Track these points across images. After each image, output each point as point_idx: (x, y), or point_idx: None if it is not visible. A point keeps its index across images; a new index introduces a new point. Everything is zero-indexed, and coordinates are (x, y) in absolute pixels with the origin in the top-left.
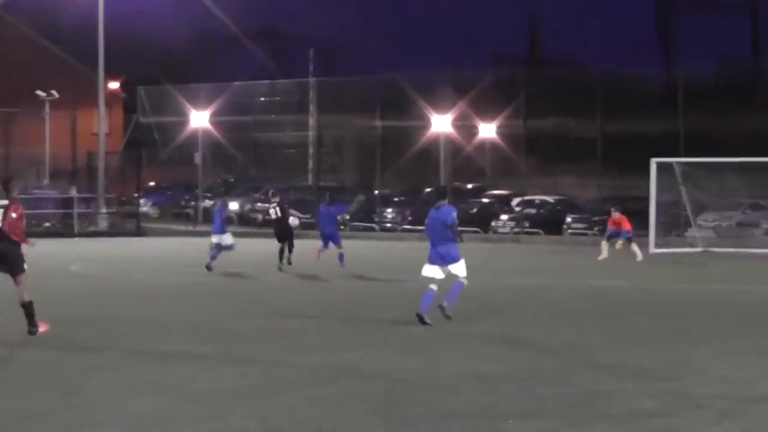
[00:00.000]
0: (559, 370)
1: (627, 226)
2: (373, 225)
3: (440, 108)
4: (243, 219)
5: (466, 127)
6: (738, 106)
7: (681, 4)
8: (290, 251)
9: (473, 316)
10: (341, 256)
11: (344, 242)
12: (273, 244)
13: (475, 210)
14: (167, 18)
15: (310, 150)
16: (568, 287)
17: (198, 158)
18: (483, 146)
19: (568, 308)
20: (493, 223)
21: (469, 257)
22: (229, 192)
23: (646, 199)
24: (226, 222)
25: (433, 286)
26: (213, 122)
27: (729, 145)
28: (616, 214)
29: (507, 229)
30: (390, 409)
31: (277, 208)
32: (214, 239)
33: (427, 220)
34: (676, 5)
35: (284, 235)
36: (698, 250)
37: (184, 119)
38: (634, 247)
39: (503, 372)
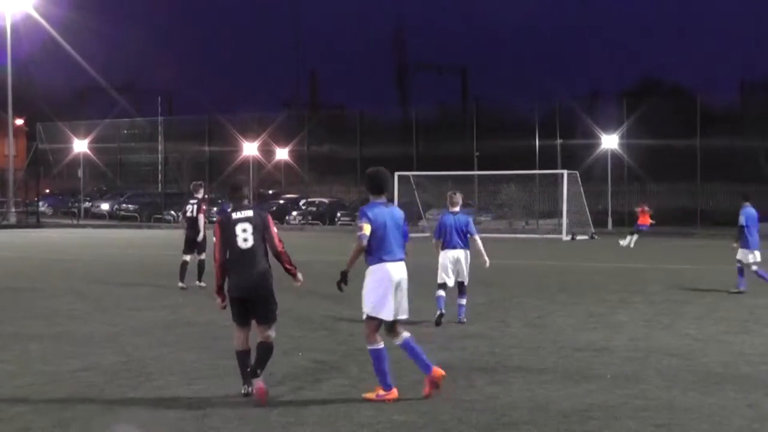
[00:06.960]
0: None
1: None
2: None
3: (249, 137)
4: (111, 215)
5: (267, 151)
6: (453, 135)
7: (412, 64)
8: None
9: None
10: None
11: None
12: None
13: (274, 208)
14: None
15: (159, 167)
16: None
17: (80, 173)
18: (279, 164)
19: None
20: (287, 217)
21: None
22: (102, 196)
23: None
24: None
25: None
26: (90, 148)
27: (447, 162)
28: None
29: (296, 222)
30: (215, 346)
31: None
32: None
33: (747, 216)
34: (409, 65)
35: None
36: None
37: (69, 146)
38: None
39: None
